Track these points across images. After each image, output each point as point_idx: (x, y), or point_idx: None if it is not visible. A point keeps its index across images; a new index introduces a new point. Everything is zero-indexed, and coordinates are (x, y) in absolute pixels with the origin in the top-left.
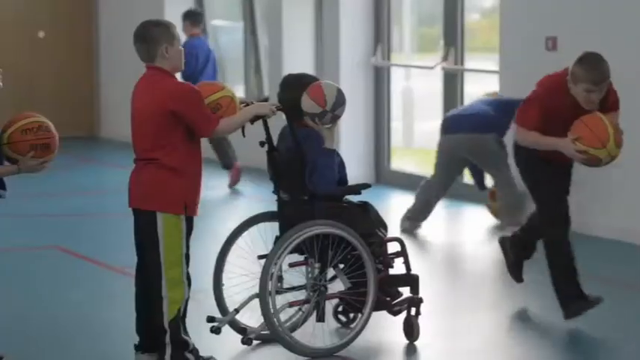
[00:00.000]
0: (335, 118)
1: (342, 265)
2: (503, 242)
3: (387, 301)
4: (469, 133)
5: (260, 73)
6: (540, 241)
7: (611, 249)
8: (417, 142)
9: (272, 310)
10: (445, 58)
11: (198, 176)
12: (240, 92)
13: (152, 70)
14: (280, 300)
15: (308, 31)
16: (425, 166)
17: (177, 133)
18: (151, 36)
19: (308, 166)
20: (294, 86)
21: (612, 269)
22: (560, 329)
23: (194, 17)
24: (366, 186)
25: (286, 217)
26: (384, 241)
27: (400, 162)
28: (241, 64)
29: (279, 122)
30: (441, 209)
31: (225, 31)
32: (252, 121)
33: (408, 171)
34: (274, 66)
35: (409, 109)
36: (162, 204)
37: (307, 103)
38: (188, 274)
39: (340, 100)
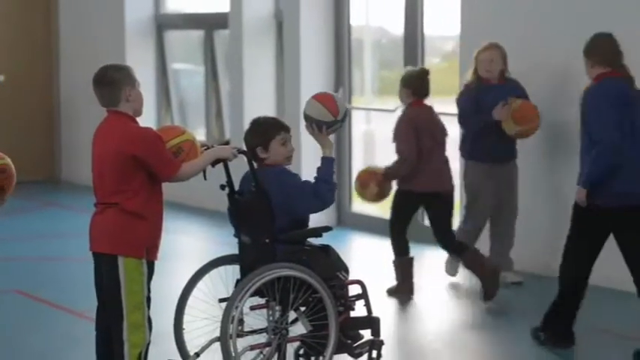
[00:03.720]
0: (336, 130)
1: (303, 308)
2: None
3: (349, 344)
4: None
5: (221, 116)
6: None
7: None
8: None
9: (233, 354)
10: None
11: (160, 220)
12: (201, 136)
13: (113, 115)
14: (241, 343)
15: (269, 75)
16: (385, 209)
17: (139, 177)
18: (113, 80)
19: (303, 190)
20: (258, 130)
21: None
22: None
23: None
24: (327, 229)
25: (247, 260)
26: (345, 284)
27: (361, 205)
28: (202, 107)
29: (240, 165)
30: None
31: (186, 75)
32: (214, 164)
33: (370, 214)
34: (235, 110)
35: (370, 151)
36: (123, 248)
37: (317, 110)
38: (149, 317)
39: (347, 113)
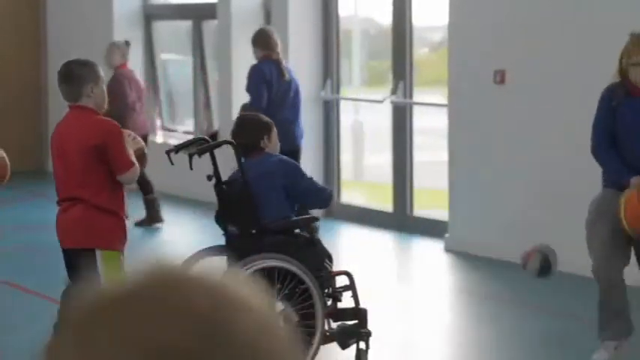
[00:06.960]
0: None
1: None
2: None
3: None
4: None
5: (210, 107)
6: None
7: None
8: (367, 175)
9: None
10: (394, 92)
11: (124, 213)
12: (189, 126)
13: (76, 109)
14: None
15: None
16: (374, 200)
17: (102, 171)
18: (76, 75)
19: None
20: (261, 122)
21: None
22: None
23: None
24: (314, 219)
25: (235, 250)
26: (332, 275)
27: (350, 195)
28: (191, 98)
29: (226, 156)
30: (390, 242)
31: (174, 65)
32: (200, 154)
33: (358, 204)
34: (224, 100)
35: (359, 142)
36: (100, 241)
37: None
38: None
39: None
